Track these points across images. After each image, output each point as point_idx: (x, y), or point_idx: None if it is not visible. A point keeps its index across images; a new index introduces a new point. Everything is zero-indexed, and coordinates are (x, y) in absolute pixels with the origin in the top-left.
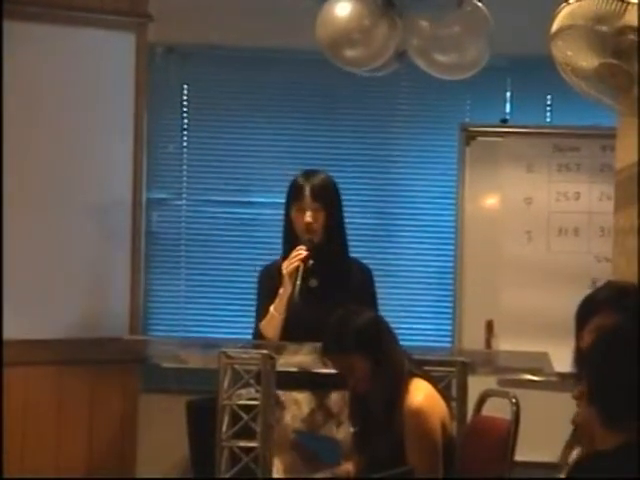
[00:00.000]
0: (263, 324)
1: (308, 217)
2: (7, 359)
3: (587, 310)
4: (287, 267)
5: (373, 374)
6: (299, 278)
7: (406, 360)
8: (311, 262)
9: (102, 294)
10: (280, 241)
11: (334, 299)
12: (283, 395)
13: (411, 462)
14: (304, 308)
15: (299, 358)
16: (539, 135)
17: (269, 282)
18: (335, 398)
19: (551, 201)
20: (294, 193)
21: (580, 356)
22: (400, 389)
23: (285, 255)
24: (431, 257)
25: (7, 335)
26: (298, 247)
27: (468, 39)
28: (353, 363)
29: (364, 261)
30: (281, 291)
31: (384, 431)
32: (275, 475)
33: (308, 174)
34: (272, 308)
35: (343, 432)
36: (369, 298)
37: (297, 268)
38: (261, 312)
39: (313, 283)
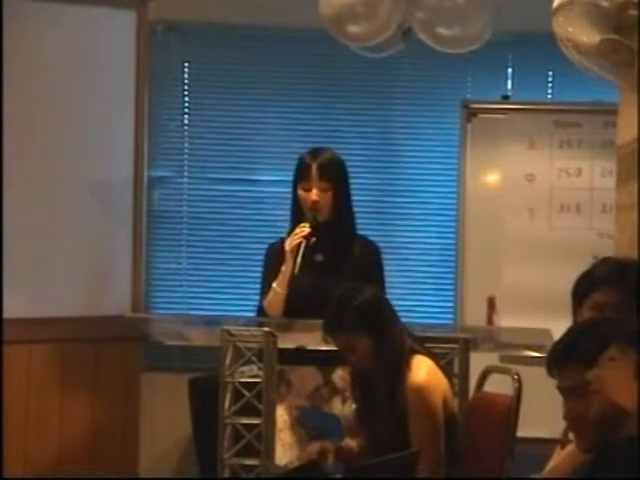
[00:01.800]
0: (266, 300)
1: (314, 195)
2: (9, 337)
3: (585, 287)
4: (289, 244)
5: (374, 352)
6: (300, 255)
7: (407, 337)
8: (314, 239)
9: (104, 272)
10: (281, 218)
11: (340, 275)
12: (288, 371)
13: (413, 438)
14: (310, 284)
15: (305, 334)
16: (540, 111)
17: (274, 259)
18: (341, 374)
19: (553, 178)
20: (301, 171)
21: None
22: (401, 366)
23: (291, 233)
24: (433, 234)
25: (9, 313)
26: (301, 224)
27: (472, 12)
28: (354, 341)
29: None
30: (284, 267)
31: (386, 408)
32: (279, 451)
33: (315, 152)
34: (275, 284)
35: (349, 408)
36: (376, 275)
37: (299, 245)
38: (265, 289)
39: (319, 258)
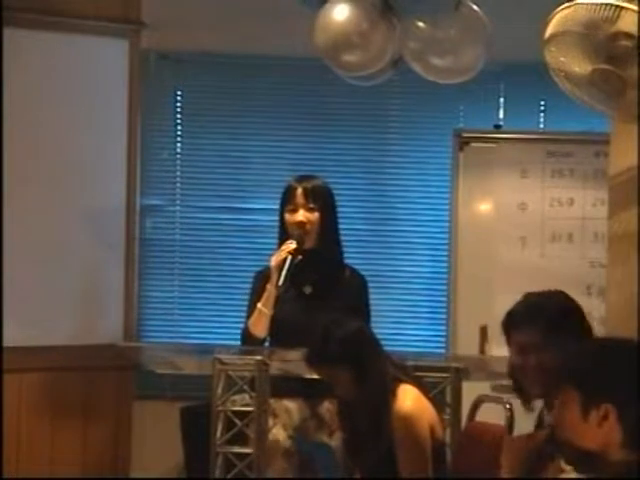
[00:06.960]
0: (251, 321)
1: (300, 216)
2: (2, 366)
3: (507, 326)
4: (275, 259)
5: (357, 384)
6: (285, 269)
7: (391, 368)
8: (300, 257)
9: (96, 301)
10: (273, 247)
11: (327, 306)
12: (274, 403)
13: (401, 467)
14: (297, 314)
15: (292, 365)
16: (533, 141)
17: (261, 284)
18: (327, 406)
19: (545, 207)
20: (287, 195)
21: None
22: (385, 397)
23: None
24: (425, 263)
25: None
26: (287, 241)
27: (465, 43)
28: (337, 374)
29: (358, 267)
30: (269, 287)
31: (373, 438)
32: None
33: (302, 178)
34: (260, 304)
35: (335, 440)
36: (362, 306)
37: (284, 260)
38: (250, 312)
39: (307, 290)
